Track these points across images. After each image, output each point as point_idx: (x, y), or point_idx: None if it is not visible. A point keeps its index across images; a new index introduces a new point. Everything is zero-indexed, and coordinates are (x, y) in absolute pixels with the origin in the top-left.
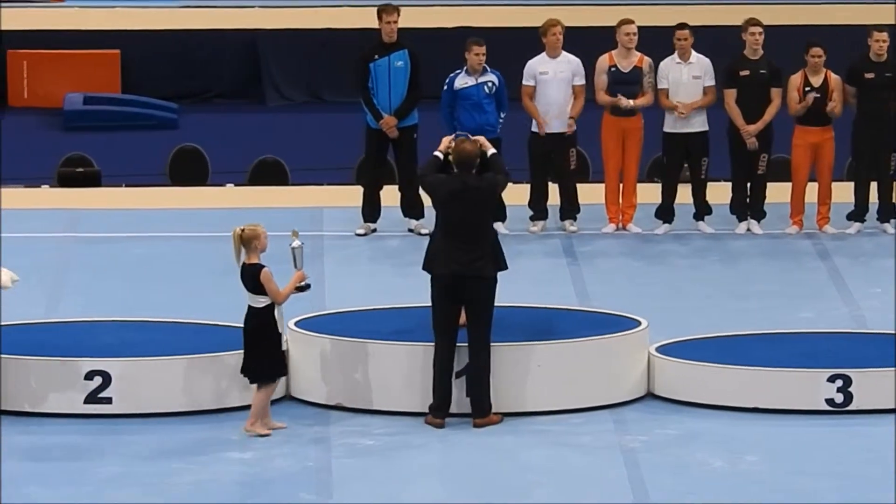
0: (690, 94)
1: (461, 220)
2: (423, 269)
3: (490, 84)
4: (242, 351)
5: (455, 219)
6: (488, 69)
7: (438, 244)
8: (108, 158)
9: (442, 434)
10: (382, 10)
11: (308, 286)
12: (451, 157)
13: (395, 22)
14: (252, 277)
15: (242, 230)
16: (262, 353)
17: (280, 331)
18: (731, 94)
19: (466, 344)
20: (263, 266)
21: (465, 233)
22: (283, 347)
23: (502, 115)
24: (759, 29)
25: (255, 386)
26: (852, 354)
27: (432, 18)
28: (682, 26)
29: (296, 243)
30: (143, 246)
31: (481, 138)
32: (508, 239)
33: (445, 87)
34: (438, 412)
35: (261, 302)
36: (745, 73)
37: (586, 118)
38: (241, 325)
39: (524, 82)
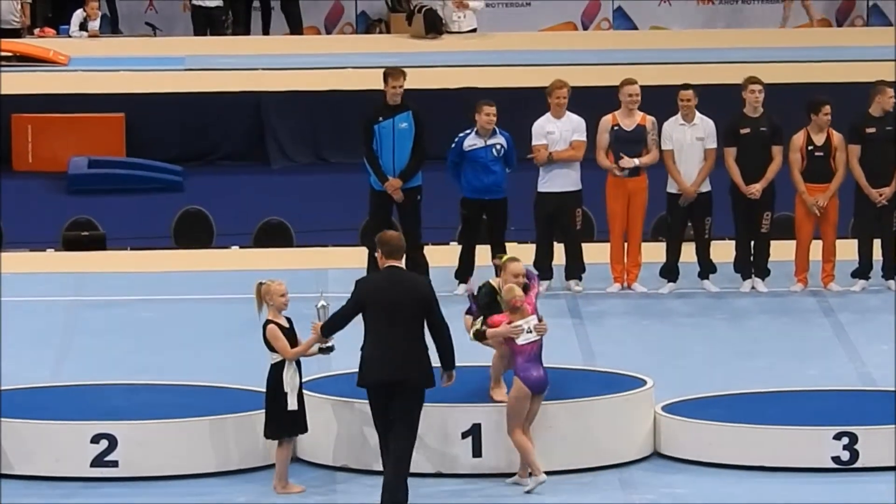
0: (694, 155)
1: (390, 318)
2: (357, 384)
3: (499, 147)
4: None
5: (384, 317)
6: (497, 131)
7: (368, 351)
8: (114, 222)
9: (448, 496)
10: (389, 74)
11: (331, 348)
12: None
13: (402, 86)
14: (263, 334)
15: (261, 284)
16: (274, 408)
17: (286, 389)
18: (730, 153)
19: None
20: (271, 322)
21: (395, 333)
22: (295, 406)
23: (508, 171)
24: (759, 87)
25: (275, 443)
26: (858, 412)
27: (436, 79)
28: (687, 87)
29: (321, 303)
30: (148, 309)
31: None
32: None
33: (454, 146)
34: None
35: (274, 358)
36: (746, 130)
37: (591, 178)
38: (246, 388)
39: (535, 142)
